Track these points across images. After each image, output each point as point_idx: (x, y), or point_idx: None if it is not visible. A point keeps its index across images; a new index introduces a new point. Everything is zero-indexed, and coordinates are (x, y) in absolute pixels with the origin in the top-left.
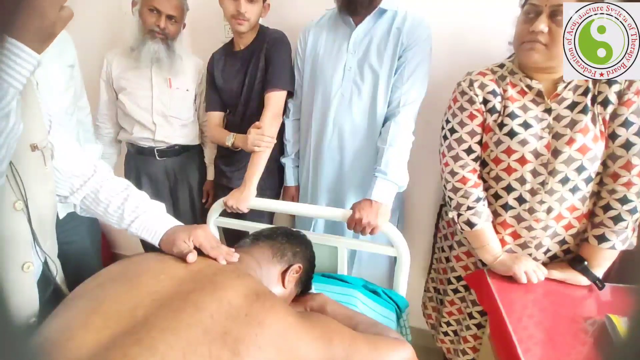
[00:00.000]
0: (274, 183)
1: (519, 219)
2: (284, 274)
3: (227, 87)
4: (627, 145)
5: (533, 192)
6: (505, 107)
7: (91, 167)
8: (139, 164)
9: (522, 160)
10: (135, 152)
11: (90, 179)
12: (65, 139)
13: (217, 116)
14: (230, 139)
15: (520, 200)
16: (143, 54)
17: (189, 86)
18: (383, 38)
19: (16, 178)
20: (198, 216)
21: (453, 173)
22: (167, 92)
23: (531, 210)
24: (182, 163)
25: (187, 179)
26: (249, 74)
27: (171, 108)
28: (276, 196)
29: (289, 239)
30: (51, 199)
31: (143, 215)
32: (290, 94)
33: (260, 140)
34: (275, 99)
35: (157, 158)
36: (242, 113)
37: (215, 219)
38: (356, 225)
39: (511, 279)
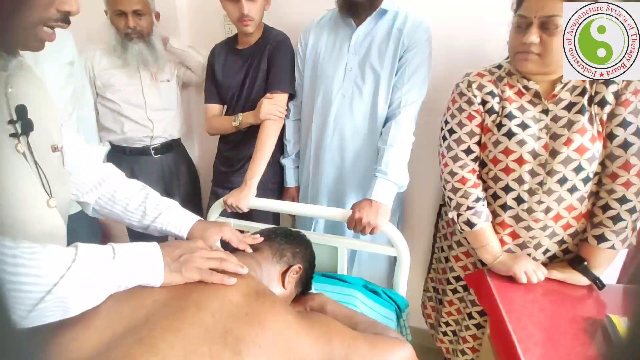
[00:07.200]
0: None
1: (517, 219)
2: (284, 274)
3: (226, 82)
4: (625, 145)
5: (531, 192)
6: (503, 107)
7: (104, 167)
8: (133, 165)
9: (520, 161)
10: (129, 153)
11: (106, 180)
12: (73, 137)
13: (216, 108)
14: (237, 118)
15: (519, 200)
16: (129, 57)
17: (169, 76)
18: (384, 39)
19: (42, 179)
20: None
21: (452, 173)
22: (155, 86)
23: (530, 211)
24: (174, 159)
25: (178, 175)
26: (250, 74)
27: (162, 101)
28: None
29: (288, 240)
30: (68, 197)
31: (166, 212)
32: (291, 96)
33: (275, 109)
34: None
35: (154, 156)
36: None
37: (215, 219)
38: (356, 225)
39: (511, 279)
